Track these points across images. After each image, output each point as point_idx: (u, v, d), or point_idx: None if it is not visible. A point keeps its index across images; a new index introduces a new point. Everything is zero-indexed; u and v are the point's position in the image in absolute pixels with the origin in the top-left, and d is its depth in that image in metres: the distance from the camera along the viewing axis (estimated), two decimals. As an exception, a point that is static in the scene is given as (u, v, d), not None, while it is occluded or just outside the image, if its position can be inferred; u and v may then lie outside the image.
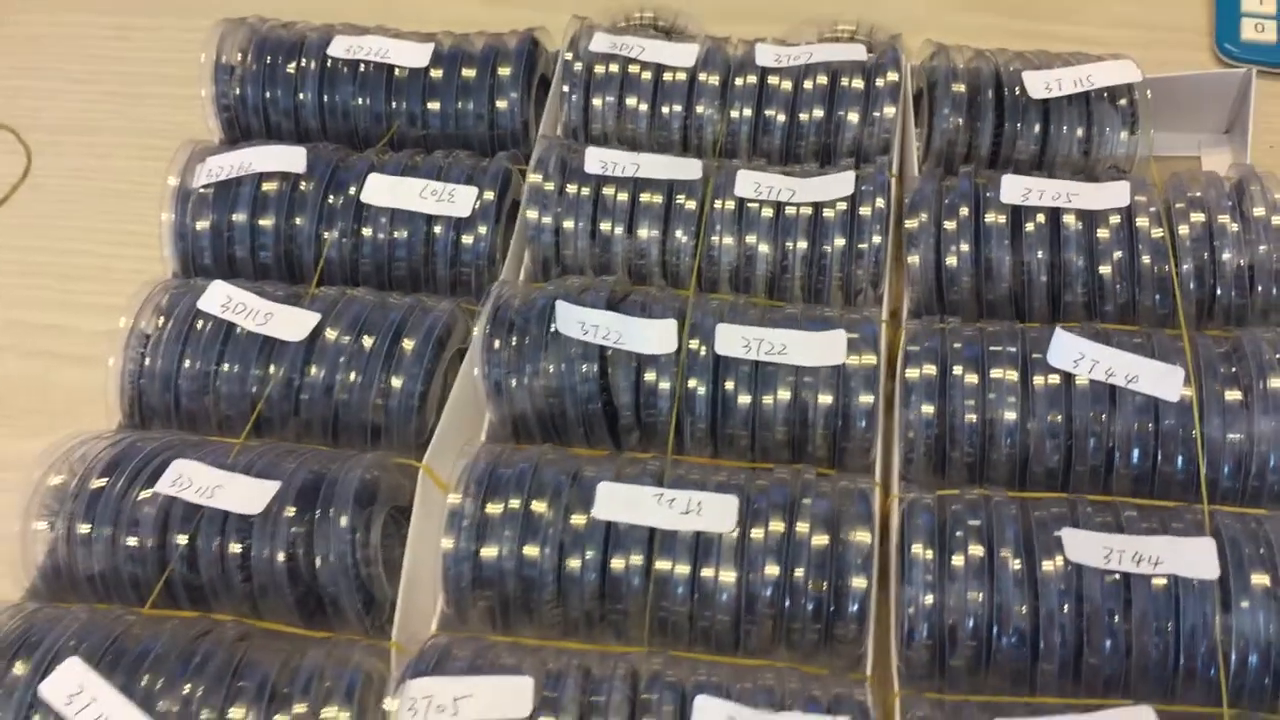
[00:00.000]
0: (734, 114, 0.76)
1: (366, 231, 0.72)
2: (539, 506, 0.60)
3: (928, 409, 0.63)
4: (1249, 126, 0.77)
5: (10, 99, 0.92)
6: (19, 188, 0.87)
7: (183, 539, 0.60)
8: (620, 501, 0.59)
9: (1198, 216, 0.68)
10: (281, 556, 0.59)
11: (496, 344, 0.66)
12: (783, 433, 0.64)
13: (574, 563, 0.59)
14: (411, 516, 0.62)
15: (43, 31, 0.97)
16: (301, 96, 0.78)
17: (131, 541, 0.61)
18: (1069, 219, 0.68)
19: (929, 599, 0.57)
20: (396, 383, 0.65)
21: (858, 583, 0.57)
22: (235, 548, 0.60)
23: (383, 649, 0.60)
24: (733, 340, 0.65)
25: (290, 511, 0.60)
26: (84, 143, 0.90)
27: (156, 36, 0.96)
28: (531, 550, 0.59)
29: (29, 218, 0.86)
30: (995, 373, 0.63)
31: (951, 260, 0.69)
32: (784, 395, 0.64)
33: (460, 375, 0.68)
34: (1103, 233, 0.68)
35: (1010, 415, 0.62)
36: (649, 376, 0.64)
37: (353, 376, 0.65)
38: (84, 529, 0.61)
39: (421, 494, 0.63)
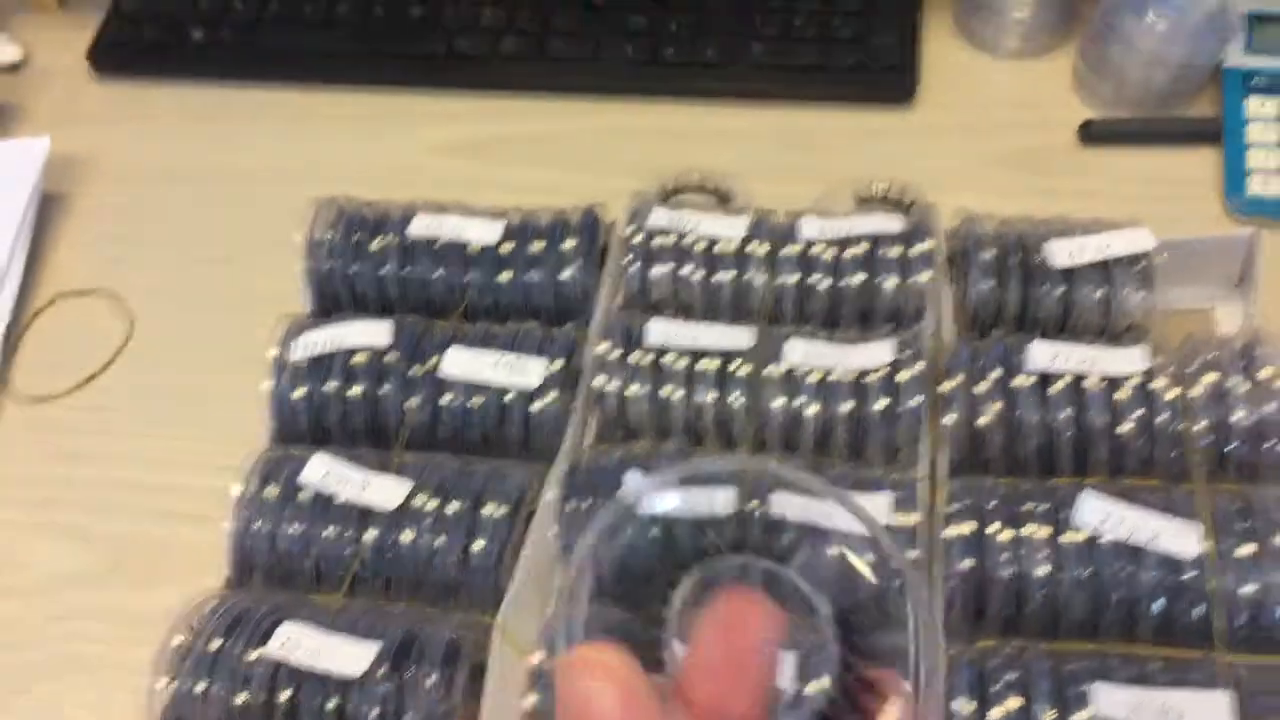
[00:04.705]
0: (781, 280, 0.83)
1: (444, 400, 0.79)
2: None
3: (967, 564, 0.69)
4: (1259, 283, 0.83)
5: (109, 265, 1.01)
6: (122, 351, 0.95)
7: (289, 698, 0.67)
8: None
9: (1210, 378, 0.74)
10: (375, 715, 0.66)
11: (569, 507, 0.72)
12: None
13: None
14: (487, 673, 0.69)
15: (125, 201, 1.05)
16: (385, 270, 0.86)
17: (244, 699, 0.68)
18: (1091, 382, 0.74)
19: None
20: (477, 545, 0.72)
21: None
22: (335, 707, 0.67)
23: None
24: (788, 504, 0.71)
25: (384, 671, 0.67)
26: (180, 309, 0.97)
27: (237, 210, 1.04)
28: None
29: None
30: (1028, 530, 0.69)
31: (984, 420, 0.75)
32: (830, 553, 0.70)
33: (530, 537, 0.74)
34: (1122, 394, 0.74)
35: (1042, 570, 0.69)
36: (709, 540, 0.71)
37: (437, 541, 0.72)
38: (201, 687, 0.68)
39: (497, 650, 0.69)
